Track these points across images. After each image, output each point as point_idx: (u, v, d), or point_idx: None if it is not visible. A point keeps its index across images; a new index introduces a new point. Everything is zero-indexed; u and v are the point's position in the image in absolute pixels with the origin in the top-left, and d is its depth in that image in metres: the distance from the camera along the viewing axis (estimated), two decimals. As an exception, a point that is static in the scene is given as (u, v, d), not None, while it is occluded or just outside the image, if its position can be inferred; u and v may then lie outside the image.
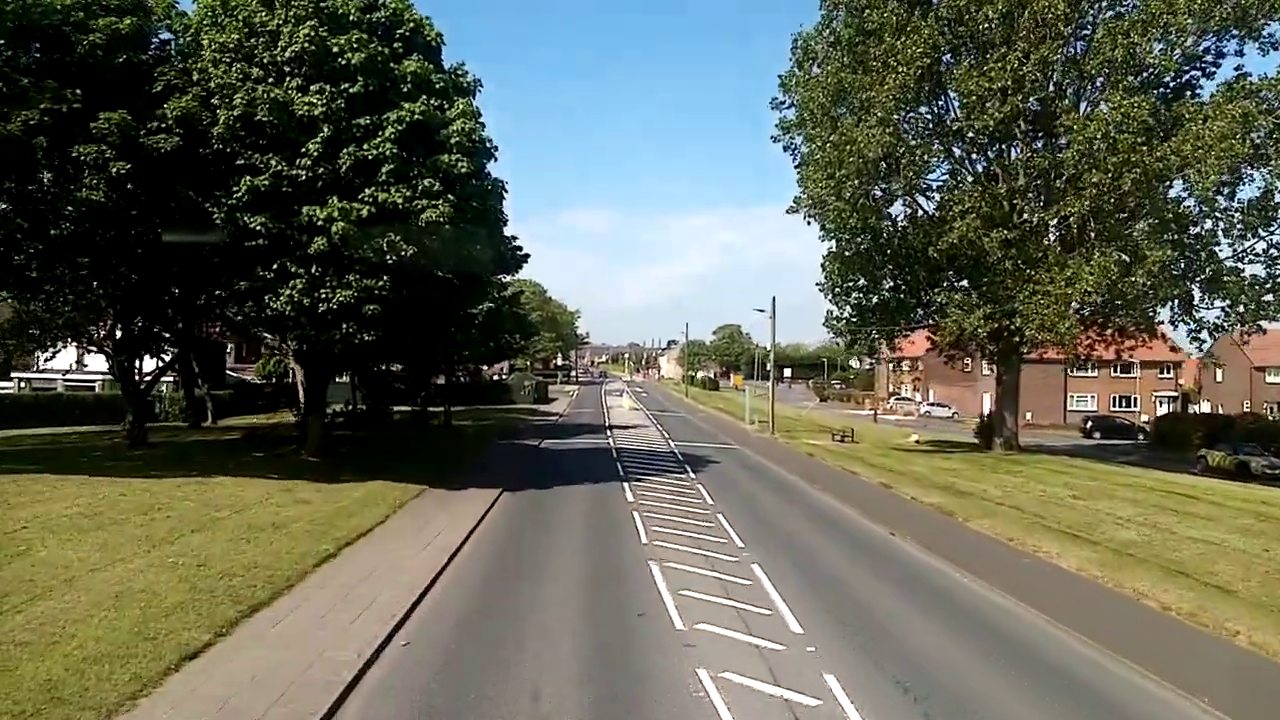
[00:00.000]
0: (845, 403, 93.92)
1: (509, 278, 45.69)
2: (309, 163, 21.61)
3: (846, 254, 32.40)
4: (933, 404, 79.87)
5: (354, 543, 15.91)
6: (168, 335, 30.46)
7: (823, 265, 33.83)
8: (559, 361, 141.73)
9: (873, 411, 79.81)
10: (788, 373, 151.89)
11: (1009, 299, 29.57)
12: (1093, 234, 28.69)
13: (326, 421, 41.08)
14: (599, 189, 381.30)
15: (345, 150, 21.67)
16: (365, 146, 21.80)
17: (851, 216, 29.91)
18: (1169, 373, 74.82)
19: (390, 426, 41.14)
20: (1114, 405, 72.96)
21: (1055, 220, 29.23)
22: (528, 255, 45.38)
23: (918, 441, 43.98)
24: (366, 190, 21.63)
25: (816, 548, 17.59)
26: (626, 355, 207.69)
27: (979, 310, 29.28)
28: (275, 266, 21.65)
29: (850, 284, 33.72)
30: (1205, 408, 73.99)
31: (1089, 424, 61.43)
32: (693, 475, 28.45)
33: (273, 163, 21.47)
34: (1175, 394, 76.08)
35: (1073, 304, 27.81)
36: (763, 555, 16.19)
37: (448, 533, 17.38)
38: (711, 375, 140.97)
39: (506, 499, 22.59)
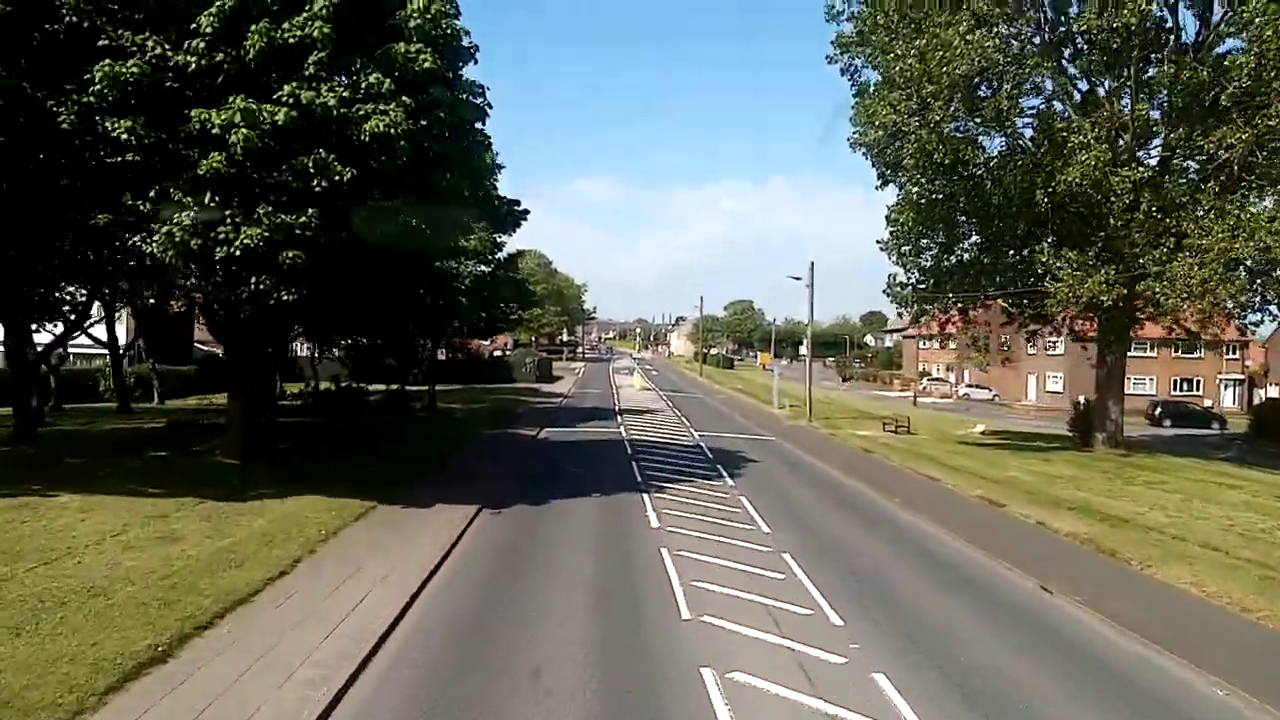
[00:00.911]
0: (871, 383, 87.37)
1: (505, 237, 39.24)
2: (202, 45, 15.21)
3: (923, 201, 25.56)
4: (971, 385, 73.26)
5: (210, 627, 9.61)
6: (64, 297, 24.09)
7: (889, 218, 27.13)
8: (564, 337, 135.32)
9: (911, 394, 73.23)
10: (803, 350, 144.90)
11: (1135, 257, 22.93)
12: (1256, 174, 21.97)
13: (286, 404, 35.45)
14: (605, 161, 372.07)
15: (255, 28, 15.22)
16: (285, 25, 15.34)
17: (937, 149, 23.18)
18: (1235, 354, 67.90)
19: (363, 411, 34.87)
20: (1175, 389, 66.24)
21: (1205, 157, 22.46)
22: (526, 211, 38.96)
23: (984, 433, 37.48)
24: (285, 87, 15.23)
25: (952, 626, 11.19)
26: (639, 331, 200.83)
27: (1100, 273, 22.61)
28: (151, 194, 15.26)
29: (925, 240, 27.00)
30: (1273, 391, 67.20)
31: (1157, 410, 54.79)
32: (729, 482, 22.14)
33: (149, 43, 15.03)
34: (1241, 377, 69.25)
35: (1245, 262, 21.18)
36: (883, 647, 9.88)
37: (379, 597, 11.11)
38: (726, 353, 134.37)
39: (483, 524, 16.30)
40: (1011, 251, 26.16)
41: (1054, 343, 65.26)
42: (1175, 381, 66.82)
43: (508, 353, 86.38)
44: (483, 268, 38.18)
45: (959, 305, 29.52)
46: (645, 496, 19.35)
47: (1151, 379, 66.26)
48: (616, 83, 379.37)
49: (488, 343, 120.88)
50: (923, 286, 28.55)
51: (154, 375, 38.31)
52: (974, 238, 26.83)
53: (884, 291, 29.61)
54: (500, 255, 39.02)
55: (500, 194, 38.33)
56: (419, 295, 24.77)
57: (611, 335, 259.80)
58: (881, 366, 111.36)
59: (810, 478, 24.16)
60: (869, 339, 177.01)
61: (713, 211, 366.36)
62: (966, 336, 30.94)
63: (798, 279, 41.33)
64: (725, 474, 23.41)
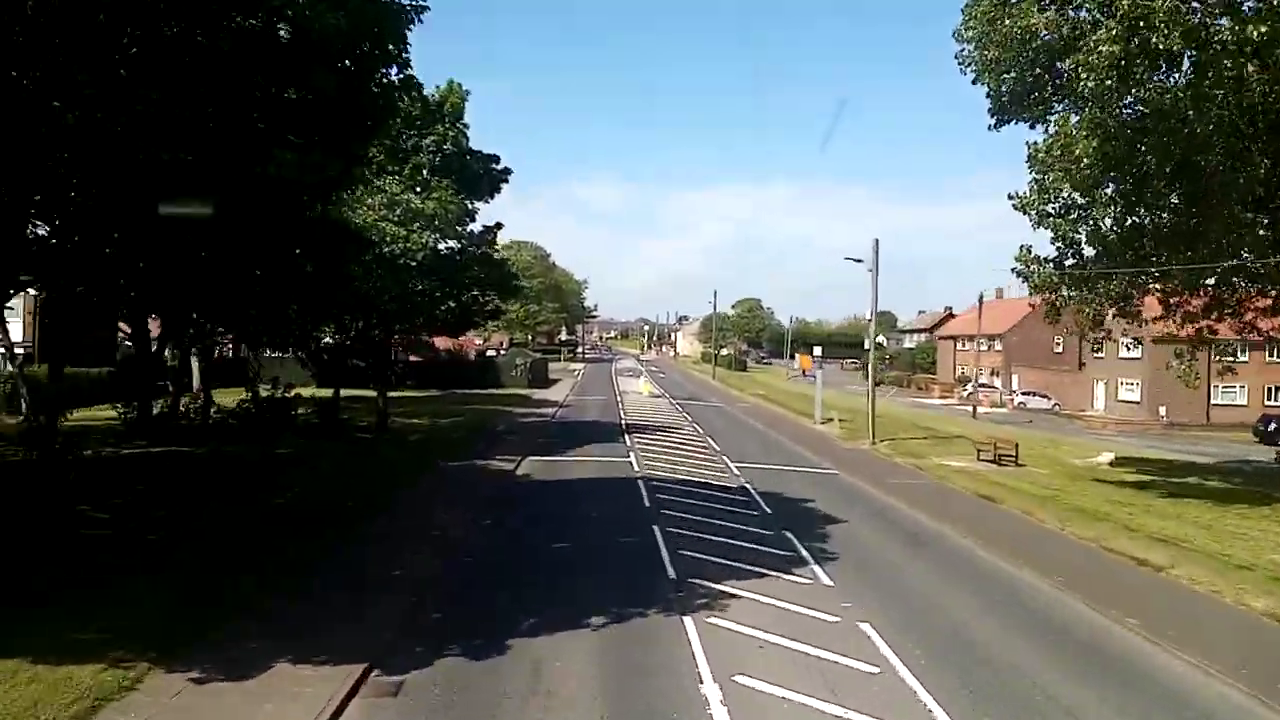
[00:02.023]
0: (904, 389, 78.18)
1: (479, 203, 30.21)
2: None
3: (1110, 130, 16.01)
4: (1027, 393, 64.15)
5: None
6: None
7: (1036, 158, 17.89)
8: (563, 336, 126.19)
9: (957, 402, 64.19)
10: (818, 351, 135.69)
11: None
12: None
13: (189, 420, 26.23)
14: (607, 163, 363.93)
15: None
16: None
17: (1138, 37, 13.89)
18: (1336, 357, 58.62)
19: (283, 432, 25.76)
20: (1270, 399, 57.07)
21: None
22: (507, 172, 29.98)
23: (1114, 464, 28.33)
24: None
25: None
26: (645, 330, 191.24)
27: None
28: None
29: (1102, 192, 17.62)
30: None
31: (1271, 426, 45.56)
32: (821, 574, 13.09)
33: None
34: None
35: None
36: None
37: None
38: (737, 353, 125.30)
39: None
40: (1241, 207, 16.86)
41: (1130, 345, 56.27)
42: (1269, 390, 57.62)
43: (501, 353, 77.31)
44: (449, 243, 29.14)
45: (1153, 284, 20.19)
46: (689, 622, 10.34)
47: (1241, 387, 57.04)
48: (617, 83, 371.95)
49: (479, 341, 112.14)
50: (1078, 265, 19.29)
51: (20, 381, 29.25)
52: (1176, 187, 17.31)
53: (1013, 270, 20.53)
54: (474, 228, 29.97)
55: (473, 148, 29.45)
56: (282, 264, 15.71)
57: (613, 335, 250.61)
58: (905, 368, 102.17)
59: (945, 561, 15.05)
60: (881, 339, 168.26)
61: (714, 214, 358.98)
62: (1178, 325, 21.56)
63: (858, 261, 32.35)
64: (805, 552, 14.37)
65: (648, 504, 18.58)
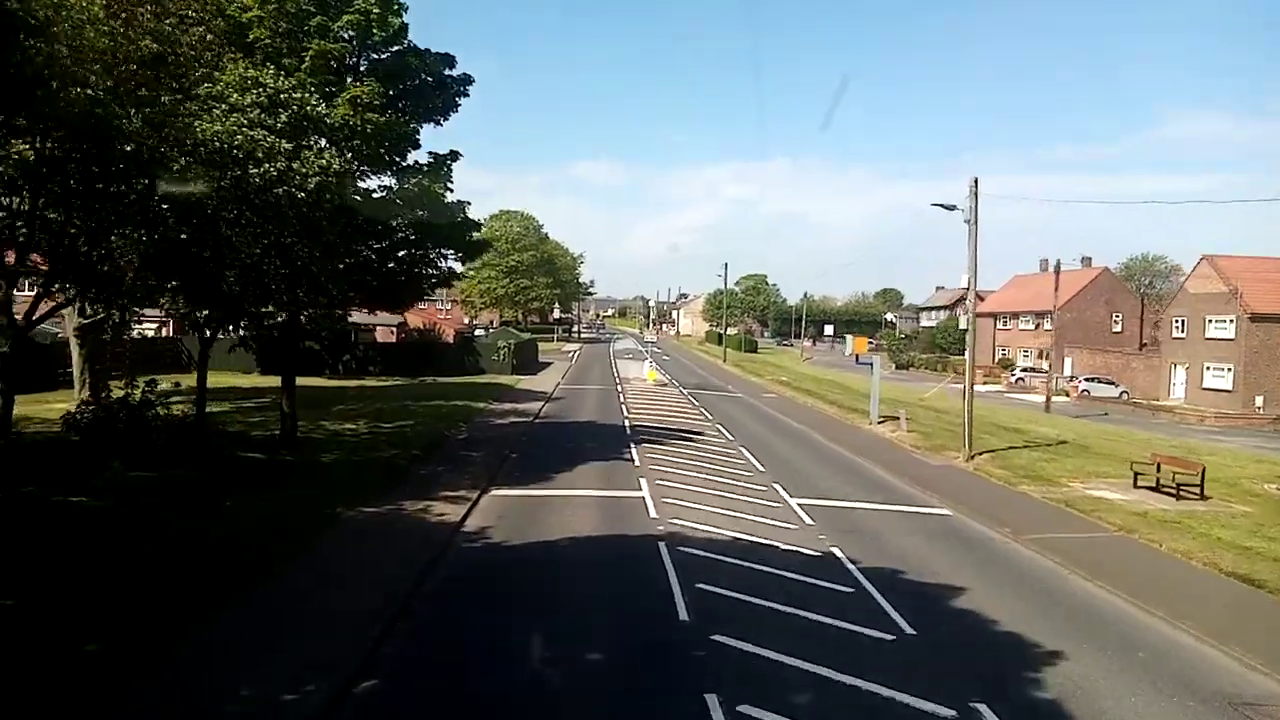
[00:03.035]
0: (939, 372, 69.69)
1: (428, 126, 21.51)
2: None
3: None
4: (1090, 379, 55.78)
5: None
6: None
7: None
8: (557, 315, 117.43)
9: (1025, 394, 55.88)
10: (828, 330, 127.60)
11: None
12: None
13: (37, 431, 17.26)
14: (602, 141, 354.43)
15: None
16: None
17: None
18: None
19: (143, 447, 17.07)
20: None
21: None
22: (467, 80, 21.17)
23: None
24: None
25: None
26: (647, 306, 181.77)
27: None
28: None
29: None
30: None
31: None
32: None
33: None
34: None
35: None
36: None
37: None
38: (747, 334, 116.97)
39: None
40: None
41: (1223, 323, 47.87)
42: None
43: (488, 331, 68.40)
44: (384, 180, 20.52)
45: None
46: None
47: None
48: (615, 61, 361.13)
49: (467, 320, 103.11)
50: None
51: None
52: None
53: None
54: (418, 157, 21.22)
55: (417, 45, 20.74)
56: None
57: (610, 313, 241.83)
58: (924, 349, 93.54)
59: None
60: (889, 317, 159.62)
61: (713, 193, 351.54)
62: None
63: (951, 208, 23.65)
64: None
65: (683, 613, 10.19)
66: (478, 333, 65.98)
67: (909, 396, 42.84)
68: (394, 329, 52.25)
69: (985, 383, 61.80)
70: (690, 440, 25.15)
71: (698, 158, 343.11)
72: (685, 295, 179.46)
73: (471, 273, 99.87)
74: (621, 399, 36.82)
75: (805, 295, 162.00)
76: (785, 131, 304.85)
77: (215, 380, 25.59)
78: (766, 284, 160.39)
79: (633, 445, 23.37)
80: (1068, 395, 52.95)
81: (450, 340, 51.02)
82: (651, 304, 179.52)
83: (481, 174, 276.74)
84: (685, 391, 42.01)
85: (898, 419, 29.68)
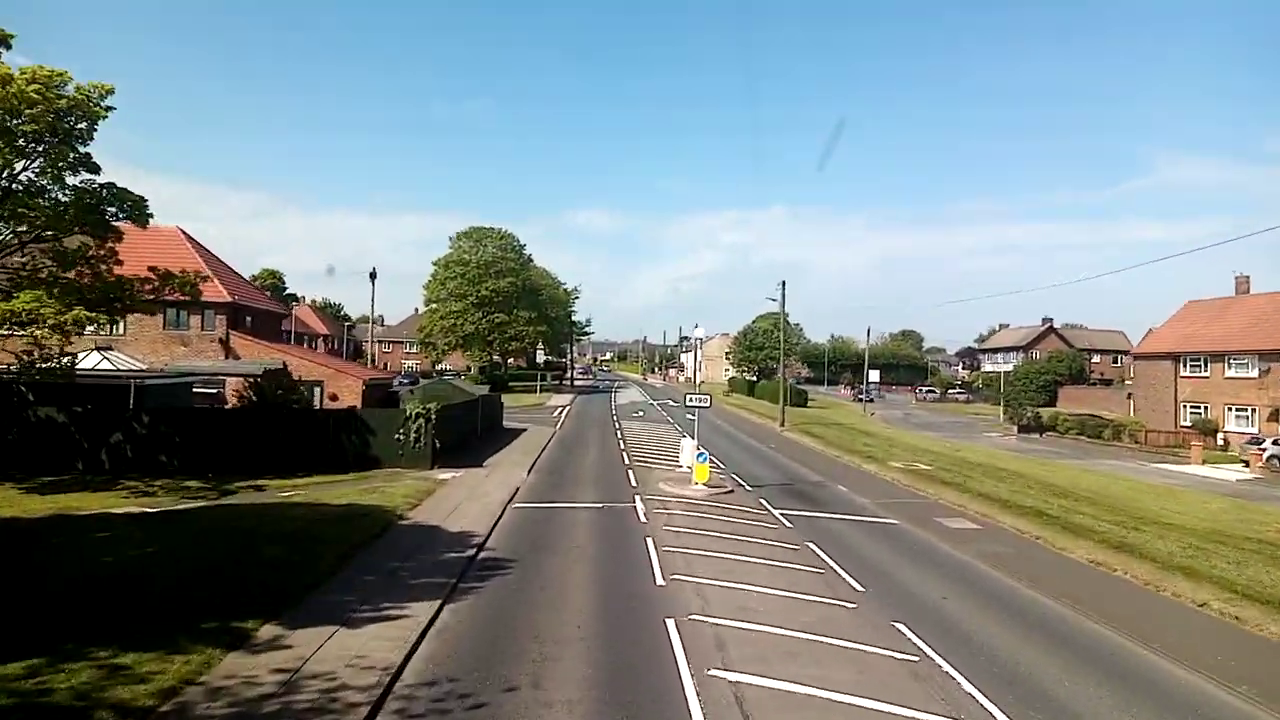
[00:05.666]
0: (1093, 440, 47.53)
1: None
2: None
3: None
4: None
5: None
6: None
7: None
8: (544, 357, 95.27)
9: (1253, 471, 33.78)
10: (874, 375, 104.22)
11: None
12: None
13: None
14: (601, 190, 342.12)
15: None
16: None
17: None
18: None
19: None
20: None
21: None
22: None
23: None
24: None
25: None
26: (667, 349, 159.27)
27: None
28: None
29: None
30: None
31: None
32: None
33: None
34: None
35: None
36: None
37: None
38: (796, 381, 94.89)
39: None
40: None
41: None
42: None
43: (418, 382, 44.61)
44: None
45: None
46: None
47: None
48: (613, 113, 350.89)
49: (427, 363, 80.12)
50: None
51: None
52: None
53: None
54: None
55: None
56: None
57: (609, 356, 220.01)
58: (1043, 403, 71.63)
59: None
60: (933, 360, 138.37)
61: (712, 241, 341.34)
62: None
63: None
64: None
65: None
66: (398, 384, 43.84)
67: (1097, 484, 21.00)
68: (253, 380, 30.12)
69: (1175, 459, 39.81)
70: None
71: (696, 208, 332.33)
72: (686, 339, 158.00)
73: (434, 305, 78.73)
74: (656, 569, 14.70)
75: (832, 336, 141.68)
76: (785, 182, 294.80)
77: None
78: (788, 323, 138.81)
79: None
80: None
81: (332, 402, 29.49)
82: (651, 348, 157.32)
83: (478, 218, 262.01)
84: (778, 513, 20.07)
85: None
